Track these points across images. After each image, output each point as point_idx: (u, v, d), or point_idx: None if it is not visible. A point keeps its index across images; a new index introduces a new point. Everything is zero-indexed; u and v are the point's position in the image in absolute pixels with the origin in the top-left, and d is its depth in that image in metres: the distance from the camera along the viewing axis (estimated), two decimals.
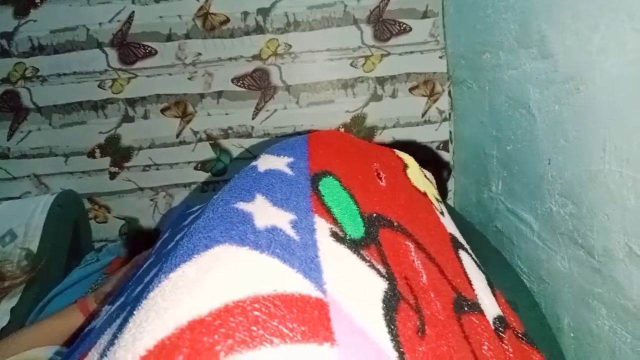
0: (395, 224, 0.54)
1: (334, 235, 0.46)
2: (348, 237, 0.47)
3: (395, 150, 0.80)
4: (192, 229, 0.41)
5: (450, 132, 1.32)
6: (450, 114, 1.31)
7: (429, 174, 0.83)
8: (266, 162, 0.56)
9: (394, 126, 1.32)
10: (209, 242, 0.38)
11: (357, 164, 0.63)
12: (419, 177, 0.73)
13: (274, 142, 0.67)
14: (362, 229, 0.50)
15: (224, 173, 1.35)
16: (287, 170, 0.53)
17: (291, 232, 0.42)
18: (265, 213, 0.44)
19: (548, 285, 0.85)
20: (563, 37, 0.72)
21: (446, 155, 1.33)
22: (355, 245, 0.47)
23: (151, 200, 1.36)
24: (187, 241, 0.39)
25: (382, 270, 0.46)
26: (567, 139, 0.74)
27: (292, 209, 0.46)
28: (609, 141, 0.65)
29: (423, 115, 1.32)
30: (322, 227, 0.46)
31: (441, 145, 1.33)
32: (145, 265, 0.53)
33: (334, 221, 0.48)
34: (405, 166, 0.73)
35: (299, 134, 1.29)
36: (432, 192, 0.73)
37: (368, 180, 0.61)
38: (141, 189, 1.35)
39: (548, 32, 0.76)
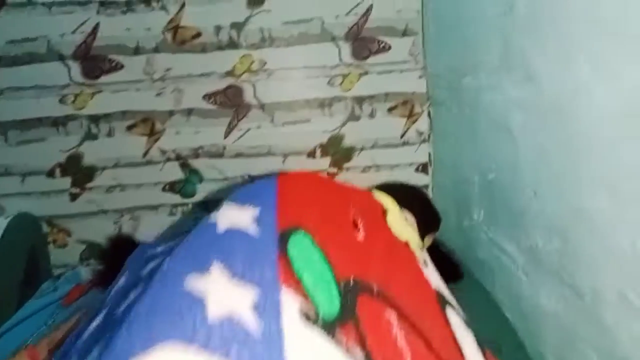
0: (375, 290, 0.49)
1: (305, 316, 0.40)
2: (321, 319, 0.41)
3: (374, 192, 0.74)
4: (133, 314, 0.35)
5: (430, 154, 1.28)
6: (429, 135, 1.27)
7: (409, 217, 0.77)
8: (228, 218, 0.49)
9: (372, 147, 1.27)
10: (150, 339, 0.32)
11: (332, 213, 0.58)
12: (400, 224, 0.67)
13: (239, 188, 0.60)
14: (338, 303, 0.44)
15: (194, 195, 1.28)
16: (252, 229, 0.46)
17: (251, 322, 0.36)
18: (221, 294, 0.38)
19: (532, 323, 0.81)
20: (548, 61, 0.68)
21: (425, 179, 1.28)
22: (329, 327, 0.41)
23: (115, 223, 1.28)
24: (127, 334, 0.33)
25: (360, 355, 0.40)
26: (552, 170, 0.70)
27: (255, 282, 0.40)
28: (598, 176, 0.61)
29: (402, 136, 1.27)
30: (290, 307, 0.40)
31: (420, 167, 1.29)
32: (91, 329, 0.46)
33: (305, 296, 0.42)
34: (385, 212, 0.68)
35: (273, 154, 1.24)
36: (413, 239, 0.68)
37: (344, 233, 0.55)
38: (104, 211, 1.27)
39: (532, 55, 0.72)
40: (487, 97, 0.89)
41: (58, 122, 1.22)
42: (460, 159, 1.08)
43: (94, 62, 1.19)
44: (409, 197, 0.98)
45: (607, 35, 0.56)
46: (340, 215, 0.58)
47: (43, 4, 1.16)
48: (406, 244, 0.64)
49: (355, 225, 0.58)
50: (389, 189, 1.00)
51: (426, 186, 1.29)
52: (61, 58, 1.19)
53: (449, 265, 0.98)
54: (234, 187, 0.58)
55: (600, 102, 0.58)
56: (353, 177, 1.28)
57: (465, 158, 1.05)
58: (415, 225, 0.78)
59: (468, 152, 1.03)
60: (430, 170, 1.29)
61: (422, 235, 1.02)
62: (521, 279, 0.83)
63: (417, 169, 1.29)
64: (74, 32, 1.17)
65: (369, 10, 1.20)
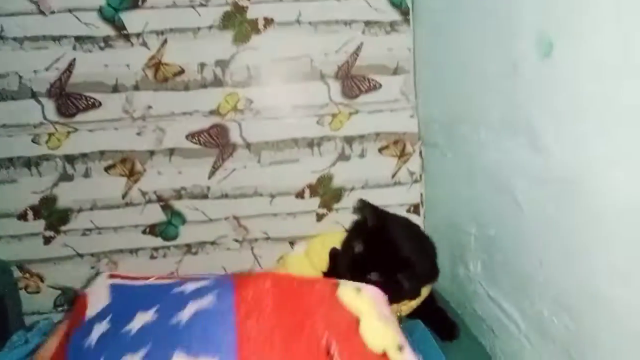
0: None
1: None
2: None
3: (343, 291, 0.68)
4: None
5: (422, 195, 1.25)
6: (421, 176, 1.24)
7: (386, 313, 0.70)
8: None
9: (362, 187, 1.23)
10: None
11: (302, 348, 0.53)
12: (375, 332, 0.63)
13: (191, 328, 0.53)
14: None
15: (176, 237, 1.21)
16: None
17: None
18: None
19: None
20: (559, 134, 0.65)
21: (417, 220, 1.25)
22: None
23: (92, 267, 1.21)
24: None
25: None
26: (564, 244, 0.67)
27: None
28: (619, 262, 0.57)
29: (393, 176, 1.23)
30: None
31: (412, 208, 1.25)
32: None
33: None
34: (358, 323, 0.63)
35: (260, 195, 1.19)
36: (391, 344, 0.63)
37: None
38: (80, 255, 1.20)
39: (540, 124, 0.69)
40: (488, 155, 0.86)
41: (31, 163, 1.14)
42: (455, 206, 1.05)
43: (70, 99, 1.13)
44: (412, 242, 0.93)
45: (624, 116, 0.53)
46: (311, 345, 0.53)
47: (14, 38, 1.09)
48: (383, 355, 0.60)
49: (329, 353, 0.53)
50: (393, 224, 0.96)
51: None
52: (34, 95, 1.12)
53: (445, 324, 0.94)
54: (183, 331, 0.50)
55: (619, 185, 0.55)
56: (343, 217, 1.23)
57: (461, 207, 1.02)
58: (393, 320, 0.70)
59: (464, 202, 1.00)
60: (422, 211, 1.25)
61: (420, 287, 0.98)
62: (524, 345, 0.80)
63: (408, 210, 1.25)
64: (47, 68, 1.11)
65: (359, 48, 1.16)
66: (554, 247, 0.70)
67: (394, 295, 0.87)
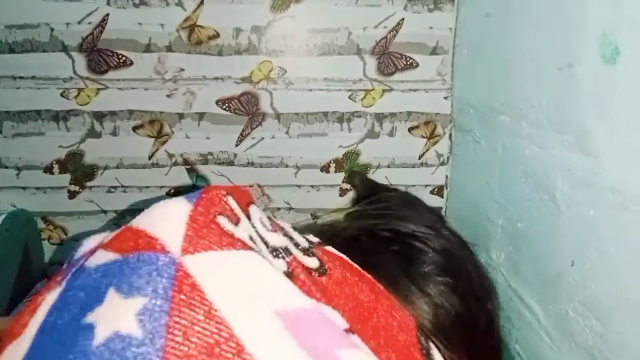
0: None
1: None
2: None
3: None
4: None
5: (447, 177, 1.24)
6: (448, 158, 1.23)
7: None
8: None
9: (388, 166, 1.23)
10: None
11: None
12: None
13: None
14: None
15: None
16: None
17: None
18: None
19: None
20: (613, 142, 0.64)
21: (440, 201, 1.25)
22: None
23: (115, 224, 1.22)
24: None
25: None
26: (601, 252, 0.67)
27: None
28: None
29: (420, 157, 1.23)
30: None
31: (435, 190, 1.25)
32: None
33: None
34: None
35: (286, 166, 1.19)
36: None
37: None
38: (104, 211, 1.21)
39: (593, 128, 0.68)
40: (527, 149, 0.85)
41: (59, 117, 1.14)
42: (482, 193, 1.05)
43: (101, 56, 1.11)
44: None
45: None
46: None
47: None
48: None
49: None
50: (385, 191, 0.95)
51: (440, 208, 1.25)
52: (65, 49, 1.09)
53: None
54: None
55: None
56: None
57: (488, 195, 1.02)
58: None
59: (493, 191, 1.00)
60: (445, 193, 1.25)
61: None
62: (544, 340, 0.82)
63: (432, 191, 1.25)
64: (80, 22, 1.08)
65: (399, 24, 1.13)
66: (589, 251, 0.70)
67: None
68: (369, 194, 0.76)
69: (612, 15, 0.64)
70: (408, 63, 1.16)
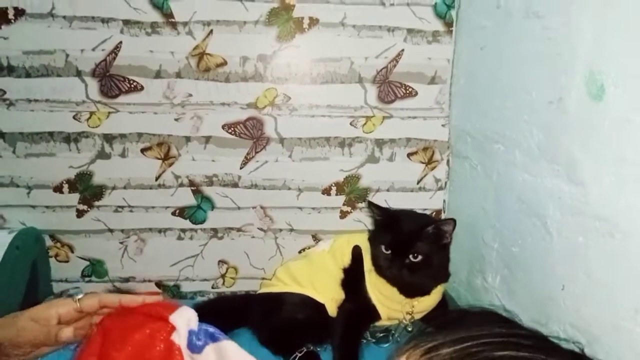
0: None
1: None
2: None
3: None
4: None
5: (444, 201, 1.28)
6: (446, 183, 1.27)
7: None
8: None
9: (387, 190, 1.27)
10: None
11: None
12: None
13: None
14: None
15: (204, 222, 1.26)
16: None
17: None
18: None
19: None
20: (599, 173, 0.68)
21: None
22: None
23: (121, 243, 1.26)
24: None
25: None
26: (590, 277, 0.71)
27: None
28: None
29: (419, 182, 1.27)
30: None
31: (433, 214, 1.29)
32: None
33: None
34: None
35: (288, 189, 1.23)
36: None
37: None
38: (111, 230, 1.25)
39: (580, 159, 0.72)
40: (521, 177, 0.89)
41: (70, 139, 1.18)
42: (478, 218, 1.08)
43: (113, 81, 1.15)
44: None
45: None
46: None
47: (64, 17, 1.11)
48: None
49: None
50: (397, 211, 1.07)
51: None
52: (79, 74, 1.14)
53: None
54: None
55: None
56: (366, 217, 1.28)
57: (484, 220, 1.05)
58: None
59: (488, 216, 1.03)
60: (443, 217, 1.29)
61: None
62: None
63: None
64: (94, 49, 1.13)
65: (399, 54, 1.18)
66: (579, 276, 0.74)
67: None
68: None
69: (598, 55, 0.69)
70: (407, 92, 1.21)
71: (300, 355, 0.99)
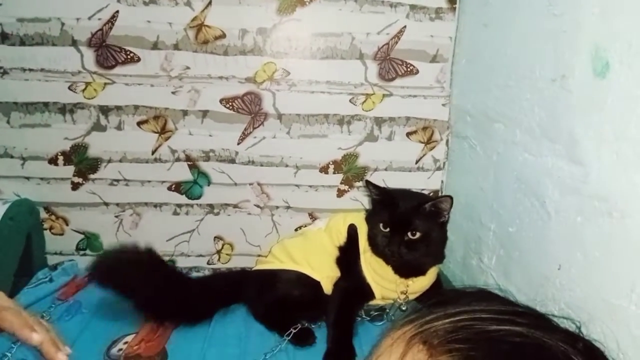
0: None
1: None
2: None
3: None
4: None
5: (442, 182, 1.28)
6: (444, 164, 1.26)
7: None
8: None
9: (385, 169, 1.26)
10: None
11: None
12: None
13: None
14: None
15: (200, 197, 1.25)
16: None
17: None
18: None
19: None
20: (601, 151, 0.67)
21: None
22: None
23: (116, 216, 1.25)
24: None
25: None
26: (586, 257, 0.71)
27: None
28: None
29: (417, 161, 1.26)
30: None
31: (431, 194, 1.28)
32: None
33: None
34: None
35: (285, 166, 1.22)
36: None
37: None
38: (106, 203, 1.24)
39: (582, 138, 0.71)
40: (520, 157, 0.88)
41: (65, 110, 1.16)
42: (476, 198, 1.08)
43: (109, 51, 1.13)
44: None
45: None
46: None
47: None
48: None
49: None
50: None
51: None
52: (74, 44, 1.12)
53: None
54: None
55: None
56: (363, 195, 1.27)
57: (482, 200, 1.05)
58: None
59: (486, 196, 1.03)
60: None
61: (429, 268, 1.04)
62: None
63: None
64: (90, 18, 1.11)
65: (401, 31, 1.16)
66: (576, 256, 0.73)
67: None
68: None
69: (604, 31, 0.67)
70: (408, 69, 1.19)
71: (294, 331, 0.99)
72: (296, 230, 1.28)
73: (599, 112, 0.67)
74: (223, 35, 1.14)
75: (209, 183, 1.24)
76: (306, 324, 1.02)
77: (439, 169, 1.27)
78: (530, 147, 0.85)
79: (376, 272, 1.04)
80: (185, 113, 1.18)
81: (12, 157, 1.18)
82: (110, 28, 1.12)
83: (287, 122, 1.21)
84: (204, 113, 1.19)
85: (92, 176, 1.21)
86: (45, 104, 1.15)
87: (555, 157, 0.78)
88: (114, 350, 0.95)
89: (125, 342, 0.97)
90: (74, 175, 1.21)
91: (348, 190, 1.27)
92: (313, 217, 1.28)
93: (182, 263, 1.30)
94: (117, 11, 1.11)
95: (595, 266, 0.69)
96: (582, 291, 0.72)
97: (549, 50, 0.80)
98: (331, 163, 1.25)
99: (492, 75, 1.01)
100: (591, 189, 0.69)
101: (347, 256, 1.07)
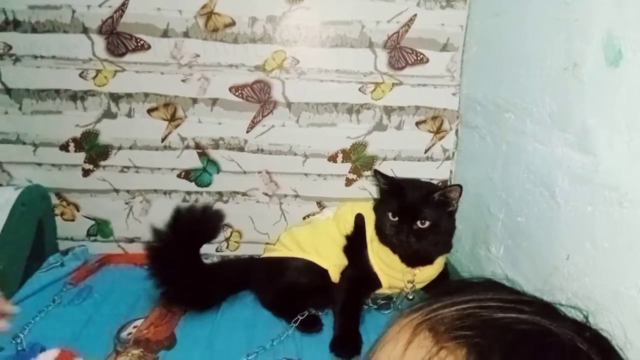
0: None
1: None
2: None
3: None
4: None
5: (451, 172, 1.27)
6: (453, 154, 1.26)
7: None
8: None
9: (394, 159, 1.26)
10: None
11: None
12: None
13: None
14: None
15: (209, 185, 1.26)
16: None
17: None
18: None
19: None
20: (612, 141, 0.67)
21: None
22: None
23: (126, 203, 1.26)
24: None
25: None
26: (595, 247, 0.70)
27: None
28: None
29: (426, 151, 1.26)
30: None
31: (440, 184, 1.28)
32: None
33: None
34: None
35: (294, 154, 1.22)
36: None
37: None
38: (116, 190, 1.25)
39: (593, 128, 0.70)
40: (530, 146, 0.87)
41: (76, 97, 1.17)
42: (485, 188, 1.07)
43: (120, 39, 1.14)
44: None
45: None
46: None
47: None
48: None
49: None
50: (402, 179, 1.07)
51: None
52: (85, 31, 1.13)
53: None
54: None
55: None
56: (371, 185, 1.27)
57: (491, 190, 1.04)
58: None
59: (496, 188, 1.02)
60: None
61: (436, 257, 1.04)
62: None
63: None
64: (101, 5, 1.11)
65: (412, 19, 1.15)
66: (585, 246, 0.73)
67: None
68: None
69: (617, 19, 0.66)
70: (418, 58, 1.18)
71: (302, 318, 1.00)
72: (304, 218, 1.28)
73: (611, 101, 0.67)
74: (233, 23, 1.14)
75: (218, 171, 1.25)
76: (313, 311, 1.03)
77: (448, 158, 1.26)
78: (541, 136, 0.84)
79: (383, 261, 1.04)
80: (194, 101, 1.19)
81: (24, 143, 1.20)
82: (121, 15, 1.12)
83: (296, 110, 1.21)
84: (214, 101, 1.19)
85: (102, 163, 1.23)
86: (57, 91, 1.16)
87: (565, 147, 0.77)
88: (124, 334, 0.96)
89: (135, 326, 0.99)
90: (84, 162, 1.22)
91: (356, 179, 1.27)
92: (321, 206, 1.29)
93: None
94: None
95: (605, 256, 0.69)
96: (591, 281, 0.72)
97: (560, 38, 0.79)
98: (340, 152, 1.25)
99: (502, 64, 1.00)
100: (602, 179, 0.69)
101: (355, 245, 1.08)
